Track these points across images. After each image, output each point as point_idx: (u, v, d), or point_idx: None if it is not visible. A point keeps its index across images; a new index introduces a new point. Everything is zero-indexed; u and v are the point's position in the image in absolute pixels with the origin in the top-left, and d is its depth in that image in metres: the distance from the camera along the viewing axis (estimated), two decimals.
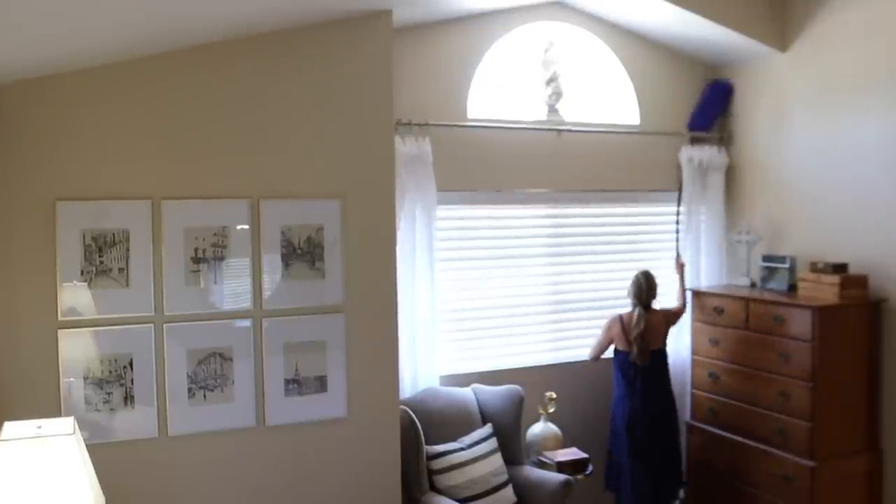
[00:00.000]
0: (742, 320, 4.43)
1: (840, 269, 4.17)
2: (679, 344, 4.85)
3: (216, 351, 3.41)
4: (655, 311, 4.48)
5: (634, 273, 4.49)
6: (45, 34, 2.61)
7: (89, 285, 3.21)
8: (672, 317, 4.57)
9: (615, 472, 4.47)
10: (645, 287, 4.43)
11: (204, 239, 3.38)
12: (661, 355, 4.49)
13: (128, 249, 3.26)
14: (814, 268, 4.28)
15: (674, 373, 4.89)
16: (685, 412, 4.85)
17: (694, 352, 4.78)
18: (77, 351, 3.20)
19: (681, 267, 4.78)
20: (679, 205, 4.94)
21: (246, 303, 3.46)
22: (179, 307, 3.34)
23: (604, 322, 4.55)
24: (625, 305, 4.53)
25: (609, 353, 4.56)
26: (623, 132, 4.84)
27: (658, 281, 4.52)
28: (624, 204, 4.94)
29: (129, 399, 3.27)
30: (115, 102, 3.22)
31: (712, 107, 5.00)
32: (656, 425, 4.40)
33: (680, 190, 4.92)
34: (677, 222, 4.96)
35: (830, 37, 4.37)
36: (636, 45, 4.88)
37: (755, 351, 4.35)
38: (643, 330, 4.37)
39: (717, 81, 5.02)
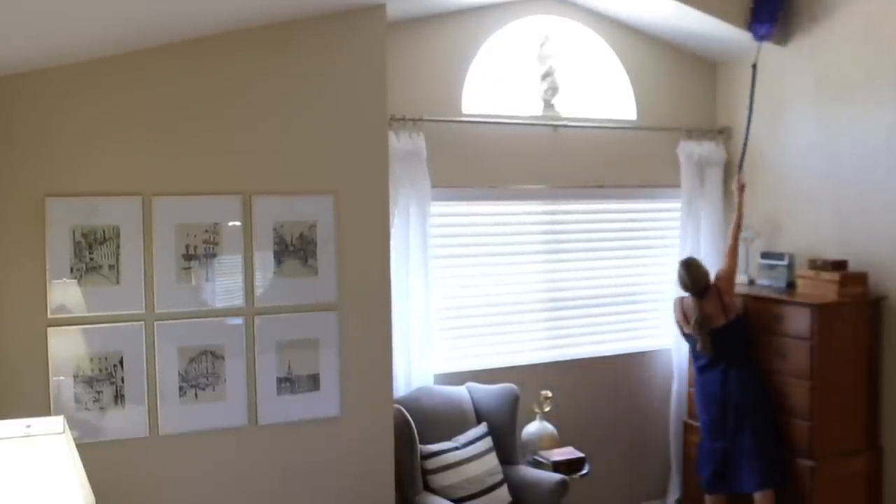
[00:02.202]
0: None
1: (839, 266, 4.14)
2: (680, 341, 4.79)
3: (208, 349, 3.38)
4: (710, 293, 4.25)
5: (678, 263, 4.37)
6: (34, 29, 2.58)
7: (79, 282, 3.18)
8: (722, 286, 4.26)
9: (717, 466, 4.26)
10: (688, 279, 4.25)
11: (195, 236, 3.36)
12: (731, 328, 4.22)
13: (118, 246, 3.24)
14: (813, 265, 4.25)
15: (672, 370, 4.87)
16: (682, 411, 4.82)
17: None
18: (67, 349, 3.17)
19: (741, 188, 4.42)
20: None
21: (238, 300, 3.43)
22: (170, 305, 3.32)
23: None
24: (618, 303, 4.48)
25: None
26: (620, 128, 4.80)
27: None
28: (621, 200, 4.90)
29: (119, 398, 3.25)
30: (104, 98, 3.20)
31: None
32: (744, 406, 4.15)
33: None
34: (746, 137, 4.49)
35: (830, 32, 4.33)
36: (633, 39, 4.84)
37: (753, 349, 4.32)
38: (701, 318, 4.21)
39: None
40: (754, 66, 4.38)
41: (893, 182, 4.03)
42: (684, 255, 4.84)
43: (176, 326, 3.32)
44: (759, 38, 4.36)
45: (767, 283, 4.56)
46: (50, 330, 3.13)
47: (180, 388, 3.34)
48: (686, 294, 4.31)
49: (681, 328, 4.40)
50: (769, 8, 4.32)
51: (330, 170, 3.55)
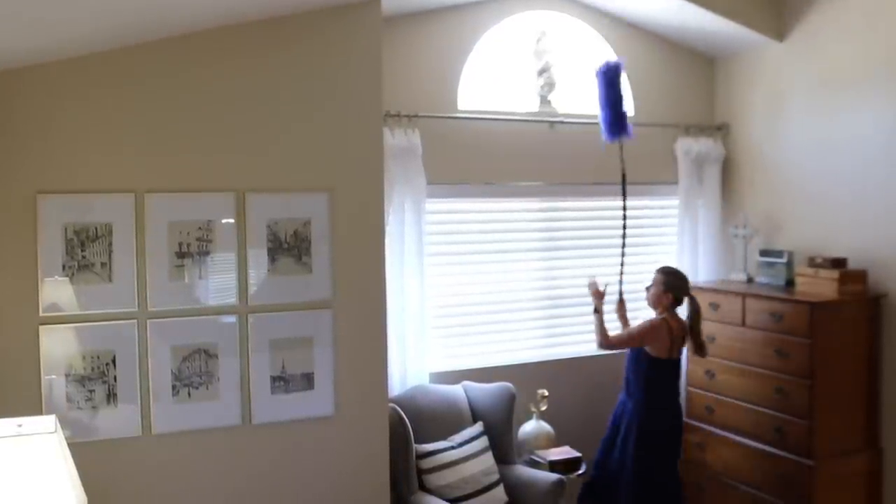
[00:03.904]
0: (738, 316, 4.37)
1: (839, 263, 4.11)
2: None
3: (201, 347, 3.36)
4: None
5: (660, 267, 4.18)
6: (25, 24, 2.55)
7: (71, 280, 3.16)
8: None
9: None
10: (686, 286, 4.08)
11: (188, 233, 3.33)
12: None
13: (110, 244, 3.21)
14: (812, 262, 4.22)
15: None
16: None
17: (689, 348, 4.71)
18: (59, 347, 3.14)
19: (599, 296, 4.15)
20: (624, 201, 4.33)
21: (231, 298, 3.41)
22: (163, 303, 3.29)
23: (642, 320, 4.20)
24: (613, 301, 4.44)
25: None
26: None
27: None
28: (618, 197, 4.84)
29: (111, 397, 3.22)
30: (97, 93, 3.17)
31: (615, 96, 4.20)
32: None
33: (624, 181, 4.32)
34: (624, 227, 4.36)
35: (828, 26, 4.31)
36: (630, 34, 4.83)
37: (752, 348, 4.29)
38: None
39: (606, 65, 4.23)
40: (623, 175, 4.30)
41: (893, 179, 3.99)
42: (682, 253, 4.84)
43: (169, 325, 3.30)
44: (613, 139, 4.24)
45: (766, 280, 4.54)
46: (42, 328, 3.11)
47: (173, 387, 3.31)
48: (657, 312, 4.10)
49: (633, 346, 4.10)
50: (617, 124, 4.20)
51: (324, 167, 3.52)
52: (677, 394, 4.13)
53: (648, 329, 4.03)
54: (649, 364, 4.03)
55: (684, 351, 4.19)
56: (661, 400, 4.06)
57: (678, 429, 4.13)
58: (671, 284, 4.06)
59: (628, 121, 4.20)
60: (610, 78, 4.18)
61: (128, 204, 3.22)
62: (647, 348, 4.03)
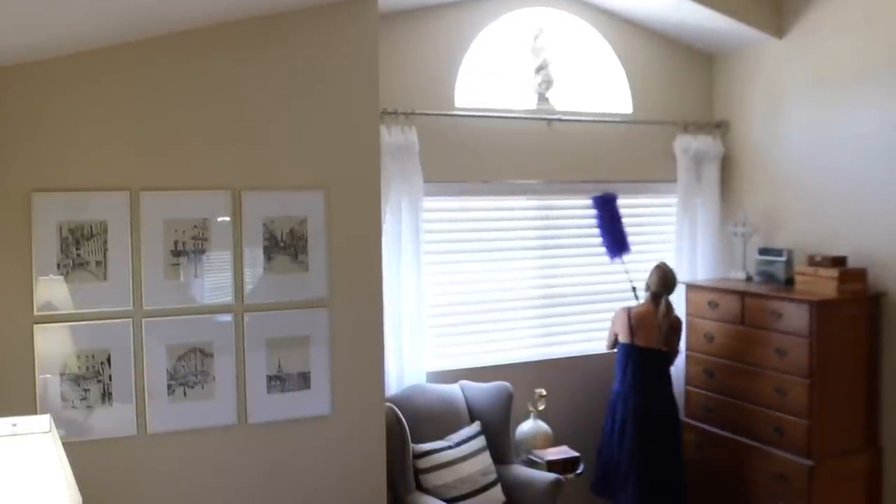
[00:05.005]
0: (737, 315, 4.36)
1: (838, 262, 4.09)
2: None
3: (196, 346, 3.35)
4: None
5: (655, 264, 4.40)
6: (19, 21, 2.53)
7: (66, 279, 3.15)
8: (679, 327, 4.42)
9: (609, 476, 4.36)
10: (672, 276, 4.33)
11: (184, 231, 3.32)
12: (666, 359, 4.39)
13: (105, 242, 3.20)
14: (811, 261, 4.20)
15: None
16: (680, 410, 4.77)
17: (688, 348, 4.70)
18: (53, 346, 3.13)
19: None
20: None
21: (227, 297, 3.39)
22: (159, 301, 3.28)
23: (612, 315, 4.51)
24: (614, 300, 4.45)
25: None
26: (615, 122, 4.76)
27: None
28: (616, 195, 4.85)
29: (106, 396, 3.21)
30: (92, 91, 3.16)
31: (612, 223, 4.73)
32: (661, 426, 4.29)
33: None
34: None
35: (828, 23, 4.29)
36: (628, 31, 4.81)
37: (751, 347, 4.28)
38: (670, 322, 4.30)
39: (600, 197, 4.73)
40: (634, 289, 4.68)
41: (893, 177, 3.98)
42: (681, 251, 4.83)
43: (164, 323, 3.28)
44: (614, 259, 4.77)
45: (765, 279, 4.52)
46: (36, 327, 3.10)
47: (169, 387, 3.30)
48: (638, 303, 4.42)
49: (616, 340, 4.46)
50: (619, 248, 4.74)
51: (321, 165, 3.50)
52: (638, 381, 4.28)
53: (613, 317, 4.44)
54: (619, 346, 4.40)
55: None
56: (619, 382, 4.37)
57: (624, 417, 4.30)
58: (649, 278, 4.38)
59: (627, 239, 4.75)
60: (608, 209, 4.70)
61: (123, 202, 3.21)
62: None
